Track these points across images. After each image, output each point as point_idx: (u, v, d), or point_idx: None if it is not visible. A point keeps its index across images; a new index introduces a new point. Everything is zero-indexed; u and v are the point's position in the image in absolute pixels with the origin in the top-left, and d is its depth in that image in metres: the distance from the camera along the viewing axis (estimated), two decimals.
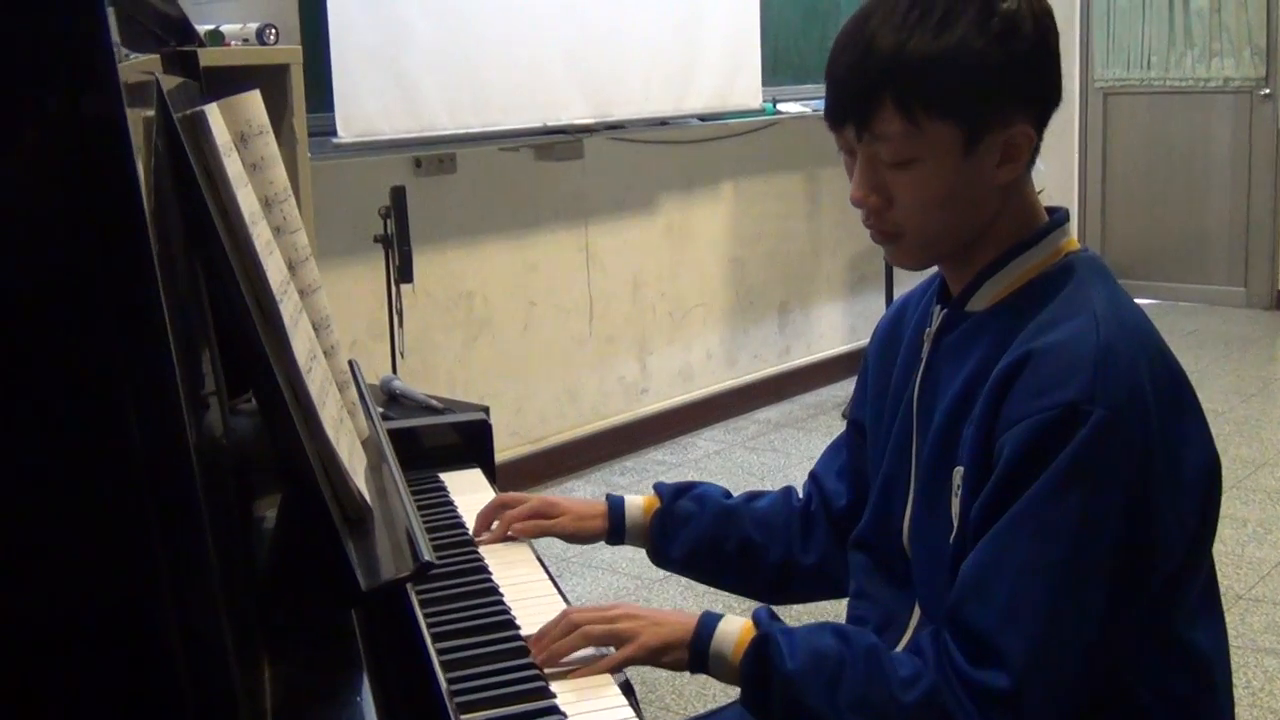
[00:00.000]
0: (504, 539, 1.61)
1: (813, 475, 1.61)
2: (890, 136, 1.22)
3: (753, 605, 1.36)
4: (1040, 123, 1.27)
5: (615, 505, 1.62)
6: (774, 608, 1.31)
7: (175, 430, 0.74)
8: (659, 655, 1.28)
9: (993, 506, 1.19)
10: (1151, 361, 1.21)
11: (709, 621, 1.28)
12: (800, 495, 1.61)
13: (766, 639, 1.24)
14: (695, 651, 1.28)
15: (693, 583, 1.69)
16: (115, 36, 0.75)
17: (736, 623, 1.29)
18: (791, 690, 1.22)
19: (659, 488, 1.63)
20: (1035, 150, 1.29)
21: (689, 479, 1.76)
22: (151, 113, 0.99)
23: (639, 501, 1.62)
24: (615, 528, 1.61)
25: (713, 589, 1.75)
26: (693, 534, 1.58)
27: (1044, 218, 1.31)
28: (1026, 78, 1.23)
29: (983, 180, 1.25)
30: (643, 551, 1.64)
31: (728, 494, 1.63)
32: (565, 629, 1.29)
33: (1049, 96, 1.27)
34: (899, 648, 1.34)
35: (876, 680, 1.20)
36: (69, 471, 0.73)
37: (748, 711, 1.30)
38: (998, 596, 1.16)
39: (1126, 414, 1.16)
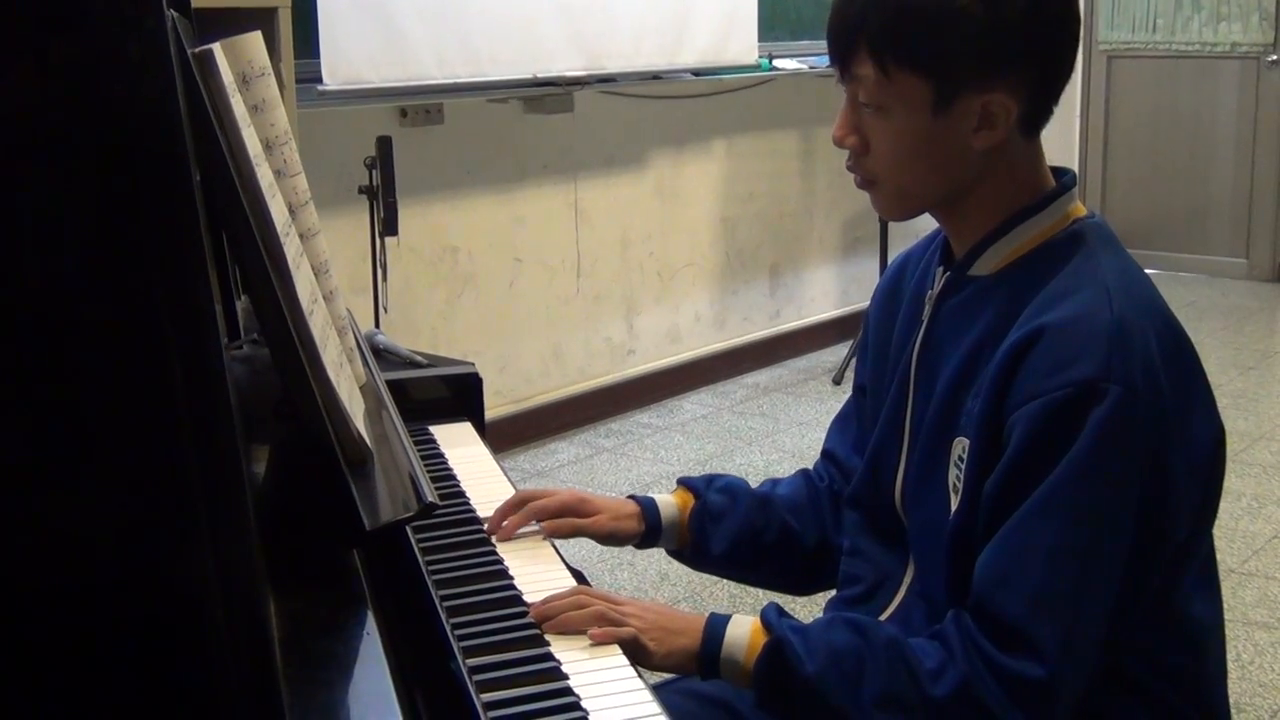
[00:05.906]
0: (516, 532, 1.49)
1: (826, 454, 1.55)
2: (864, 79, 1.22)
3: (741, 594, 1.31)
4: (1034, 92, 1.22)
5: (648, 505, 1.51)
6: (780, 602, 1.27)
7: (215, 369, 0.78)
8: (666, 660, 1.24)
9: (1010, 488, 1.16)
10: (1161, 334, 1.19)
11: (716, 625, 1.24)
12: (819, 476, 1.55)
13: (780, 644, 1.20)
14: (705, 658, 1.24)
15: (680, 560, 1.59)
16: None
17: (745, 624, 1.24)
18: (812, 693, 1.18)
19: (688, 482, 1.54)
20: (1038, 117, 1.25)
21: (676, 443, 1.69)
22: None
23: (670, 500, 1.52)
24: (651, 529, 1.50)
25: (692, 570, 1.64)
26: (731, 527, 1.49)
27: (1050, 182, 1.29)
28: (1011, 43, 1.19)
29: (956, 142, 1.22)
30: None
31: (747, 483, 1.56)
32: (575, 604, 1.24)
33: (1045, 67, 1.22)
34: (893, 605, 1.34)
35: (901, 674, 1.17)
36: (114, 410, 0.76)
37: (764, 714, 1.26)
38: (1027, 583, 1.14)
39: (1142, 390, 1.14)
